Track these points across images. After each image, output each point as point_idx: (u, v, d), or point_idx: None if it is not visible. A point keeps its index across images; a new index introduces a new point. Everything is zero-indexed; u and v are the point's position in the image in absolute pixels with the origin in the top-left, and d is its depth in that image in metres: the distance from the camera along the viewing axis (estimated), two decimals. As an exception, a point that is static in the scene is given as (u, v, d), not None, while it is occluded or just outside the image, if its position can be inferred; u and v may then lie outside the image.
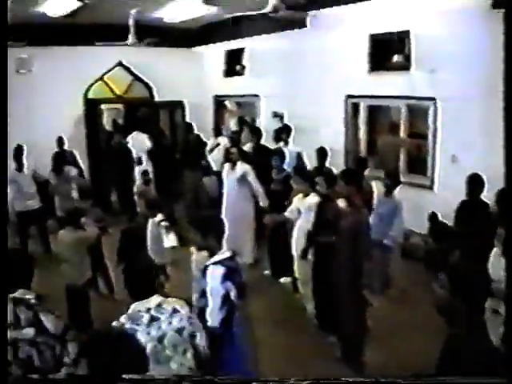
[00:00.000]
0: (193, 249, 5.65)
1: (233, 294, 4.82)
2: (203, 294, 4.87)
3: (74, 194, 10.97)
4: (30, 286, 4.03)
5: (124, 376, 2.61)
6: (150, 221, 8.26)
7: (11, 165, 11.03)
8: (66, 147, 12.83)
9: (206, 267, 4.91)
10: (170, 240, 8.28)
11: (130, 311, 4.03)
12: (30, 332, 3.71)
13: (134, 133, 13.98)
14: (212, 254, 5.04)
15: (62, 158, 12.10)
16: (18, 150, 10.97)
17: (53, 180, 11.43)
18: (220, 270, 4.82)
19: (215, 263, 4.89)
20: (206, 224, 5.28)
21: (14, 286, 3.90)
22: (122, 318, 3.97)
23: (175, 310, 4.03)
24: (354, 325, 6.52)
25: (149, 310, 3.99)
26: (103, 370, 2.88)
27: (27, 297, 3.85)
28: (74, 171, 11.95)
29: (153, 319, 3.96)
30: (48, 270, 8.14)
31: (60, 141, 12.77)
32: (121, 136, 13.81)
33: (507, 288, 3.32)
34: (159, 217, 8.24)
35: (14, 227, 11.33)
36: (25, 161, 11.02)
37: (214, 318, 4.76)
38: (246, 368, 4.90)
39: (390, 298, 7.92)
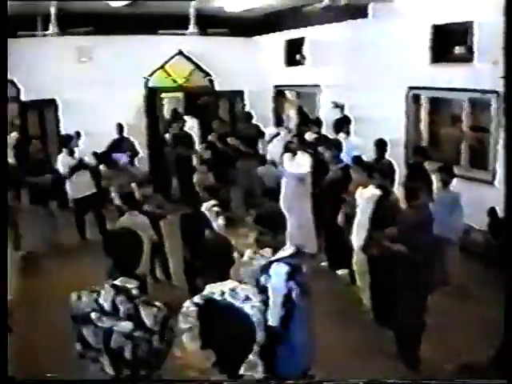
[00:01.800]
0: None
1: (295, 294, 4.61)
2: (264, 290, 4.63)
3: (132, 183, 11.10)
4: (133, 274, 3.96)
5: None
6: (204, 205, 8.31)
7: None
8: (125, 134, 13.12)
9: (269, 263, 4.71)
10: (217, 225, 8.31)
11: (204, 292, 3.96)
12: (128, 326, 3.71)
13: (188, 118, 14.19)
14: (275, 250, 4.82)
15: (119, 145, 12.29)
16: (69, 138, 11.27)
17: (104, 167, 11.63)
18: (284, 269, 4.62)
19: (279, 260, 4.69)
20: (270, 220, 5.05)
21: (119, 272, 3.87)
22: (196, 298, 3.90)
23: (248, 298, 3.97)
24: (412, 320, 6.46)
25: (223, 293, 3.92)
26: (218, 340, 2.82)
27: (128, 286, 3.80)
28: (124, 158, 12.06)
29: None
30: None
31: (120, 127, 13.05)
32: (181, 124, 13.96)
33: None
34: (212, 201, 8.28)
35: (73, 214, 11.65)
36: (76, 148, 11.38)
37: (274, 316, 4.59)
38: (301, 364, 4.84)
39: (448, 293, 7.80)
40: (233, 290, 3.97)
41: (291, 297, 4.64)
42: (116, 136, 12.95)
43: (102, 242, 4.21)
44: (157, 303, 3.83)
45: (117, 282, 3.80)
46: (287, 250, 4.82)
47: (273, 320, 4.58)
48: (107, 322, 3.70)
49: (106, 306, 3.72)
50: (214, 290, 3.97)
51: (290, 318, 4.67)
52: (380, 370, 6.10)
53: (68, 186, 11.19)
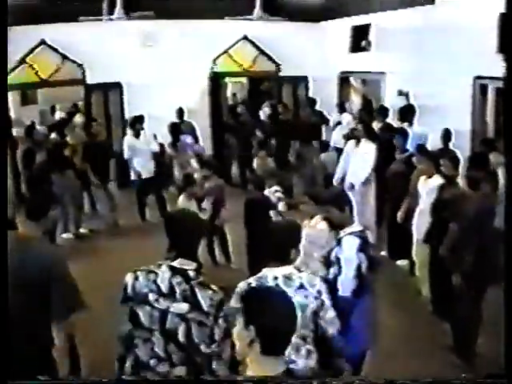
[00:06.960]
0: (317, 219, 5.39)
1: (364, 267, 4.73)
2: (337, 262, 4.75)
3: (193, 163, 11.16)
4: (194, 257, 3.95)
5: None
6: (267, 190, 8.38)
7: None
8: (185, 118, 13.19)
9: (340, 237, 4.79)
10: (279, 209, 8.36)
11: (259, 274, 4.02)
12: (184, 307, 3.71)
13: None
14: (342, 228, 4.92)
15: (179, 128, 12.44)
16: (137, 120, 11.45)
17: (170, 149, 11.78)
18: (356, 241, 4.74)
19: (350, 233, 4.82)
20: (336, 200, 5.15)
21: (177, 254, 3.85)
22: (251, 279, 3.97)
23: (302, 286, 3.95)
24: (469, 313, 6.38)
25: (276, 278, 3.94)
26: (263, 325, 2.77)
27: (186, 267, 3.79)
28: (189, 139, 12.21)
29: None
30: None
31: (180, 112, 13.17)
32: (245, 109, 14.03)
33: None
34: (275, 187, 8.35)
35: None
36: (142, 131, 11.60)
37: (345, 287, 4.68)
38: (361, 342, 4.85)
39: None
40: (287, 276, 3.96)
41: (361, 269, 4.74)
42: (176, 120, 13.04)
43: (161, 223, 4.22)
44: (213, 286, 3.81)
45: (174, 264, 3.80)
46: (356, 226, 5.00)
47: (343, 290, 4.67)
48: (164, 304, 3.73)
49: (163, 287, 3.74)
50: (268, 273, 3.99)
51: (360, 290, 4.74)
52: (434, 362, 6.07)
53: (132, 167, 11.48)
